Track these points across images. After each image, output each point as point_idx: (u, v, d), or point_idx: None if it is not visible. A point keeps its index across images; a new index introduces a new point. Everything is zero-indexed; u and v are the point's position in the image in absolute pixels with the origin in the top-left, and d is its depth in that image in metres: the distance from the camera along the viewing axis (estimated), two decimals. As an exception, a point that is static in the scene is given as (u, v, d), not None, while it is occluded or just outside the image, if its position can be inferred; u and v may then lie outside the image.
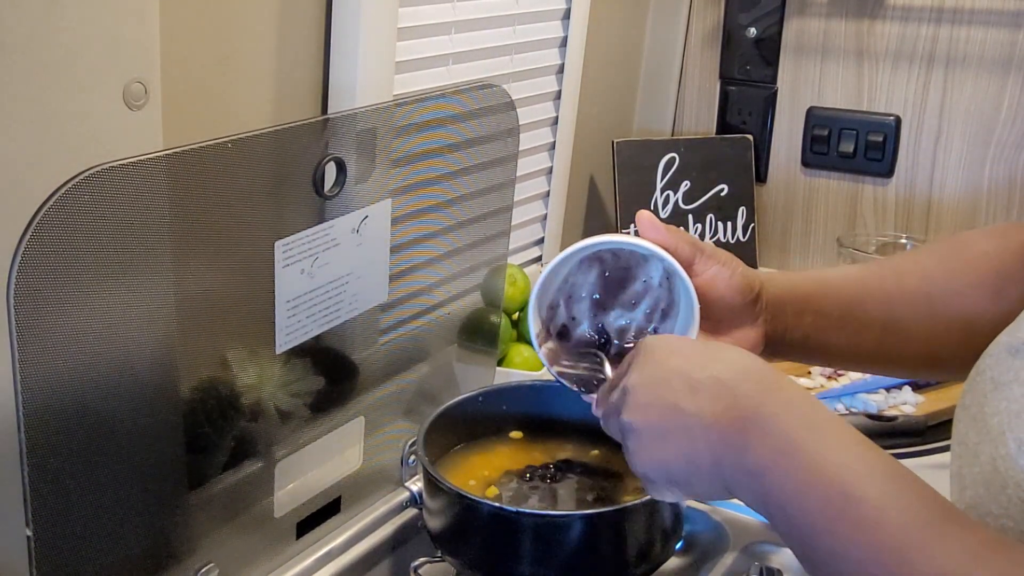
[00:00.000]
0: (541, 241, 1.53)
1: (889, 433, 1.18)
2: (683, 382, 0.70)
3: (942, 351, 0.89)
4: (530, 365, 1.30)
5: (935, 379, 0.78)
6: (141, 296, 0.70)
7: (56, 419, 0.66)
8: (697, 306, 0.82)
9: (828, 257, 1.72)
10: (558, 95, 1.47)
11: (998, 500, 0.67)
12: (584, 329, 0.88)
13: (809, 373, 1.32)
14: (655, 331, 0.85)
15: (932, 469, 1.17)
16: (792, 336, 0.89)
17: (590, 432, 0.99)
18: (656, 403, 0.71)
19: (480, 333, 1.11)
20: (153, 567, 0.77)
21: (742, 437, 0.66)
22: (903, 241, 1.63)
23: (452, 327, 1.07)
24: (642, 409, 0.71)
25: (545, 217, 1.53)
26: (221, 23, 0.95)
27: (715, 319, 0.85)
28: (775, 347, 0.89)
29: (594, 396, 0.84)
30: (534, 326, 0.87)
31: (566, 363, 0.87)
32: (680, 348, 0.74)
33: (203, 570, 0.80)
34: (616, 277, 0.87)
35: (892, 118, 1.64)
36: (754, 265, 1.71)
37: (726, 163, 1.70)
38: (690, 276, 0.82)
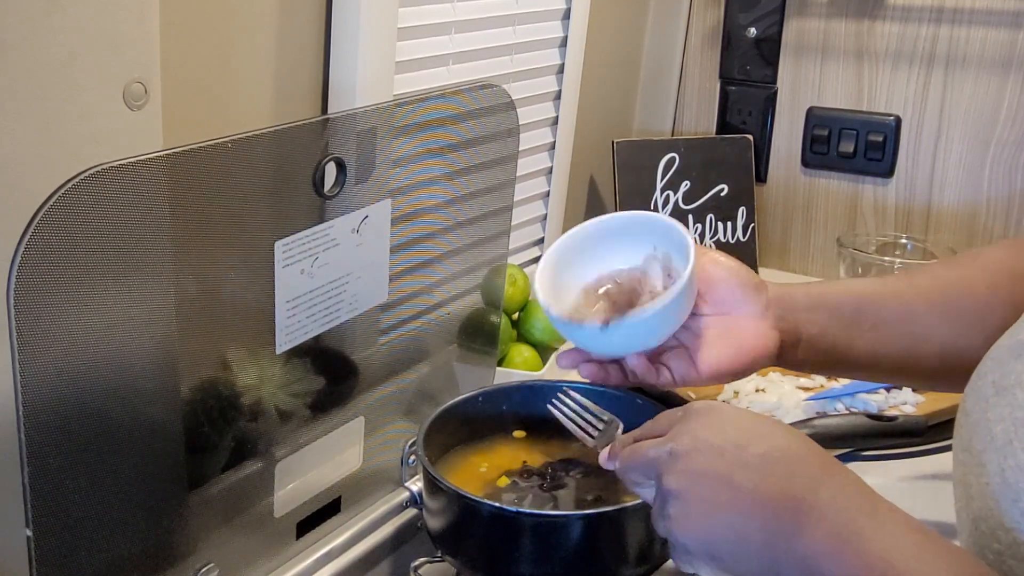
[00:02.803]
0: (541, 241, 1.53)
1: (889, 433, 1.18)
2: (737, 455, 0.68)
3: (962, 357, 0.87)
4: (530, 365, 1.30)
5: (958, 391, 0.78)
6: (141, 296, 0.70)
7: (56, 419, 0.66)
8: (692, 248, 0.84)
9: (828, 257, 1.72)
10: (558, 95, 1.47)
11: (1009, 513, 0.66)
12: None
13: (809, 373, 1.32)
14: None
15: (932, 469, 1.17)
16: (809, 333, 0.88)
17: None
18: (707, 473, 0.68)
19: (480, 333, 1.11)
20: (153, 567, 0.77)
21: (796, 519, 0.65)
22: (903, 241, 1.63)
23: (452, 327, 1.07)
24: (691, 477, 0.68)
25: (545, 217, 1.53)
26: (221, 23, 0.95)
27: (719, 301, 0.85)
28: (793, 350, 0.89)
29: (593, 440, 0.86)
30: (546, 292, 0.88)
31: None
32: (734, 418, 0.71)
33: (203, 570, 0.80)
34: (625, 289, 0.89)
35: (892, 118, 1.64)
36: (754, 265, 1.71)
37: (726, 163, 1.70)
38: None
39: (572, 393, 0.90)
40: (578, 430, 0.87)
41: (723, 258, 0.88)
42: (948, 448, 1.20)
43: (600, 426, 0.87)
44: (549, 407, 0.90)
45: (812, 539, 0.64)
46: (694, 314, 0.88)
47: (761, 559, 0.66)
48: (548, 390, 1.03)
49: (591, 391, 0.95)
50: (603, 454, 0.80)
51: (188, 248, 0.73)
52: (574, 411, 0.88)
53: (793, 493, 0.65)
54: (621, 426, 0.86)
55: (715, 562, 0.69)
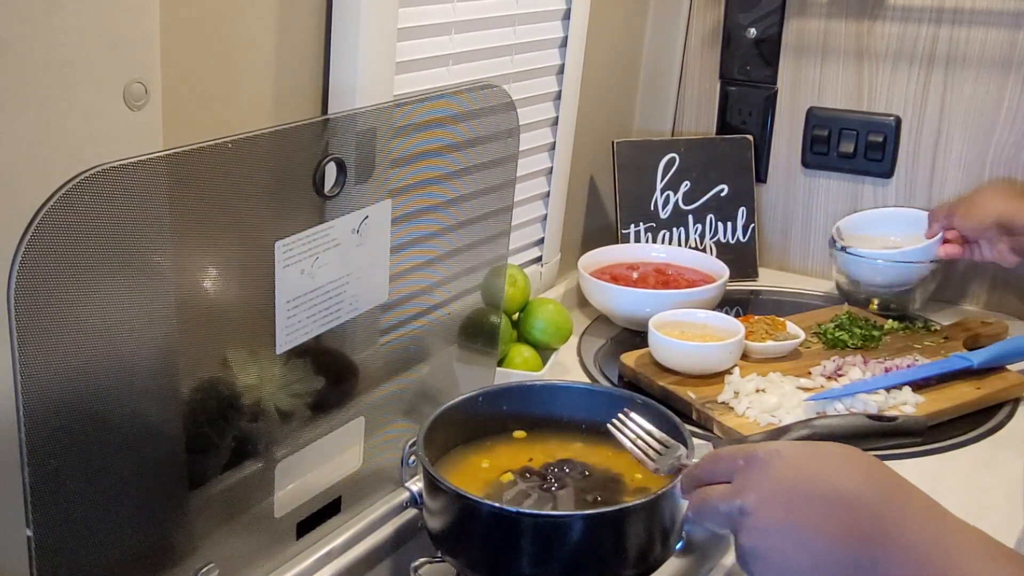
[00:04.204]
0: (541, 241, 1.53)
1: (889, 433, 1.18)
2: (802, 500, 0.70)
3: None
4: (530, 365, 1.30)
5: None
6: (141, 296, 0.70)
7: (56, 419, 0.66)
8: None
9: (828, 257, 1.72)
10: (558, 95, 1.47)
11: None
12: None
13: (809, 373, 1.32)
14: None
15: (932, 469, 1.17)
16: None
17: (590, 432, 0.99)
18: (777, 527, 0.70)
19: (480, 333, 1.11)
20: (153, 567, 0.77)
21: (870, 556, 0.66)
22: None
23: (452, 327, 1.07)
24: (763, 534, 0.71)
25: (545, 217, 1.53)
26: (221, 23, 0.95)
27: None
28: None
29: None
30: None
31: None
32: (795, 462, 0.72)
33: (203, 570, 0.80)
34: None
35: (892, 118, 1.64)
36: (754, 265, 1.71)
37: (726, 163, 1.70)
38: None
39: (633, 415, 0.90)
40: (639, 452, 0.87)
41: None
42: (948, 448, 1.20)
43: (660, 449, 0.87)
44: (609, 427, 0.90)
45: (886, 574, 0.66)
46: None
47: None
48: (547, 390, 1.03)
49: (594, 391, 0.97)
50: (677, 488, 0.83)
51: (188, 248, 0.73)
52: (635, 434, 0.88)
53: (863, 531, 0.67)
54: (684, 451, 0.87)
55: None
